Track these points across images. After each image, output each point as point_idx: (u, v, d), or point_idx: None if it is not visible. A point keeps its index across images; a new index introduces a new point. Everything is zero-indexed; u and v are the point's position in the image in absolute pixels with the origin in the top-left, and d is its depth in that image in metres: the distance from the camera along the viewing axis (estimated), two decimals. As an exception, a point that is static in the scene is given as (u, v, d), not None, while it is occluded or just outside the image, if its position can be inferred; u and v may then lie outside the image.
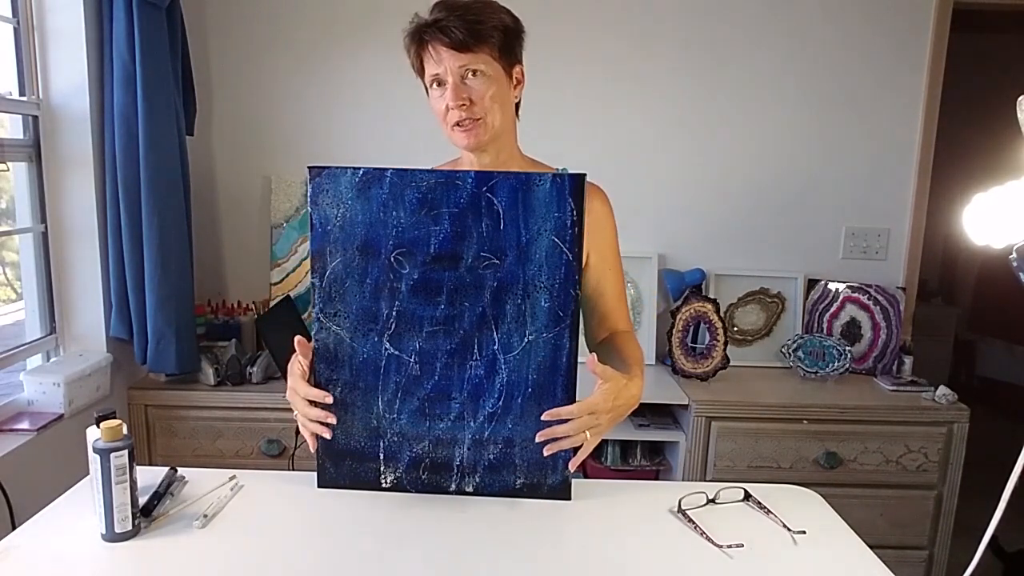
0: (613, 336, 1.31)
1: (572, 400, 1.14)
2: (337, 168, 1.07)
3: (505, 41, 1.21)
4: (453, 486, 1.16)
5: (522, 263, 1.08)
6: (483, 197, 1.07)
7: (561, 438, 1.08)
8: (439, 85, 1.20)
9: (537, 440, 1.09)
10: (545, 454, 1.10)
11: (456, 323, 1.11)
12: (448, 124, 1.22)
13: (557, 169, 1.31)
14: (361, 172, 1.07)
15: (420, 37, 1.19)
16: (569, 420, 1.08)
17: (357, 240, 1.08)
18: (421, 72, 1.24)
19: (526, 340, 1.11)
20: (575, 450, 1.13)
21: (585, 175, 1.07)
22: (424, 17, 1.19)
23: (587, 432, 1.09)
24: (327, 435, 1.11)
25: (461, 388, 1.13)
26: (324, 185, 1.07)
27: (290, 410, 2.18)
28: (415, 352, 1.12)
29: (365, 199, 1.07)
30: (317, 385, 1.15)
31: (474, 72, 1.18)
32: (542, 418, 1.09)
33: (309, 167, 1.08)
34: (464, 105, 1.18)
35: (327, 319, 1.12)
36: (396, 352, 1.13)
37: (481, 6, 1.19)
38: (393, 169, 1.09)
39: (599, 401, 1.08)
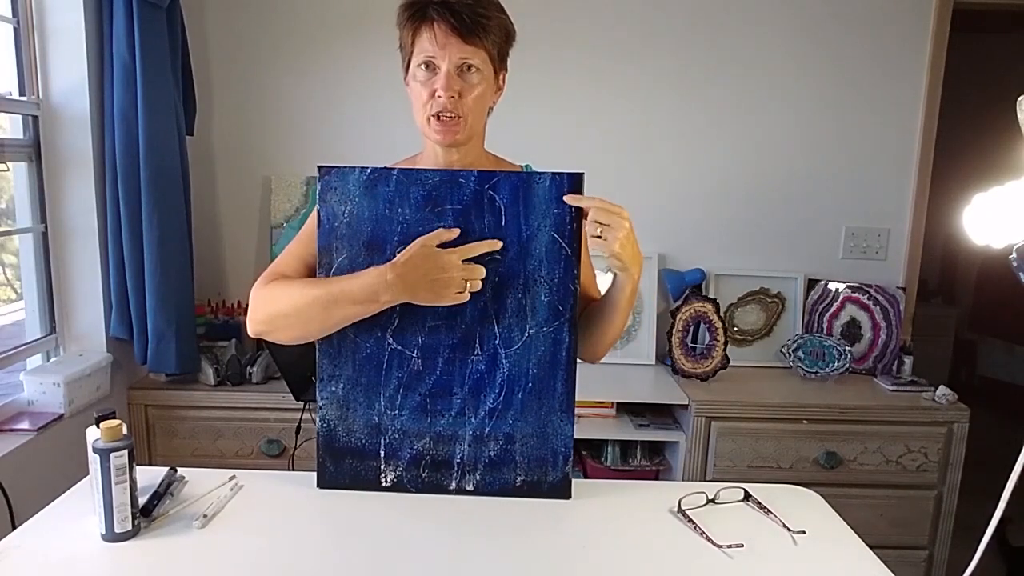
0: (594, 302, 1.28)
1: (572, 396, 1.15)
2: (346, 167, 1.11)
3: (503, 44, 1.19)
4: (453, 484, 1.17)
5: (522, 258, 1.10)
6: (485, 195, 1.09)
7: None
8: (428, 69, 1.14)
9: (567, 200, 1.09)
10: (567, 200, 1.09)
11: (458, 318, 1.12)
12: (426, 112, 1.16)
13: (521, 167, 1.30)
14: (369, 171, 1.11)
15: (424, 12, 1.12)
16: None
17: (363, 236, 1.11)
18: (409, 48, 1.16)
19: (526, 334, 1.12)
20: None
21: (583, 174, 1.09)
22: None
23: (600, 229, 1.06)
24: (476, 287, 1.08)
25: (462, 383, 1.14)
26: (333, 183, 1.10)
27: (290, 410, 2.19)
28: (417, 347, 1.14)
29: (372, 196, 1.10)
30: (320, 381, 1.15)
31: (470, 67, 1.14)
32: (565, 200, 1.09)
33: (319, 166, 1.11)
34: (453, 97, 1.13)
35: None
36: (399, 347, 1.14)
37: (487, 0, 1.16)
38: (399, 168, 1.12)
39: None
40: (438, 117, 1.15)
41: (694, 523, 1.10)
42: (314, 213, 1.15)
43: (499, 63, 1.20)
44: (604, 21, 2.42)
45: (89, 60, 1.97)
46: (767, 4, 2.42)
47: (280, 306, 1.12)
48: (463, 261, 1.07)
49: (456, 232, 1.09)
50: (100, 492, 1.00)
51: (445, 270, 1.05)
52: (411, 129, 1.22)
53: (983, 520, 0.88)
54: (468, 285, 1.07)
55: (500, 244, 1.09)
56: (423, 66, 1.14)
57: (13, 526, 1.51)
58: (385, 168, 1.12)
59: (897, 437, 2.13)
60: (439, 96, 1.13)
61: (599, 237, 1.06)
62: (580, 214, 1.09)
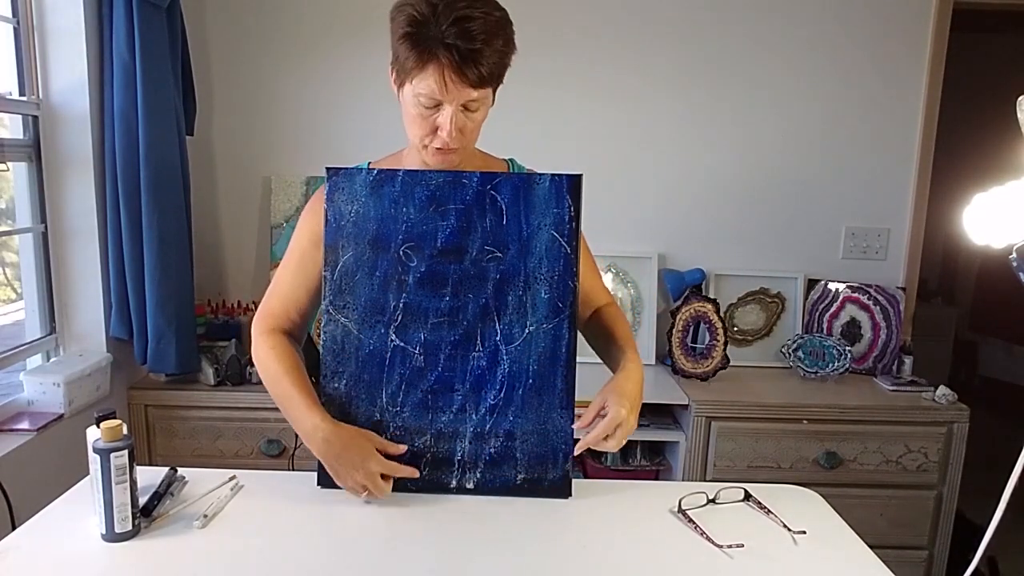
0: (599, 312, 1.29)
1: (572, 392, 1.15)
2: (353, 169, 1.15)
3: (506, 69, 1.11)
4: (454, 482, 1.17)
5: (523, 256, 1.13)
6: (487, 194, 1.12)
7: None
8: (429, 102, 1.07)
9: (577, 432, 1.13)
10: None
11: (460, 314, 1.14)
12: (424, 141, 1.11)
13: (506, 161, 1.30)
14: (375, 172, 1.14)
15: (434, 53, 1.03)
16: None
17: (369, 235, 1.14)
18: (410, 70, 1.07)
19: (527, 331, 1.14)
20: (575, 445, 1.15)
21: (581, 175, 1.12)
22: (435, 19, 1.02)
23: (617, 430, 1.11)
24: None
25: (464, 380, 1.15)
26: (340, 184, 1.14)
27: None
28: (420, 344, 1.15)
29: (378, 196, 1.13)
30: (324, 377, 1.16)
31: (471, 104, 1.08)
32: (575, 426, 1.14)
33: (327, 168, 1.15)
34: (456, 136, 1.09)
35: (336, 311, 1.15)
36: (402, 344, 1.15)
37: (494, 23, 1.04)
38: (404, 170, 1.15)
39: (616, 415, 1.09)
40: (437, 147, 1.11)
41: (694, 523, 1.10)
42: (300, 228, 1.20)
43: (498, 83, 1.13)
44: (604, 20, 2.42)
45: (89, 60, 1.97)
46: (768, 6, 2.42)
47: (263, 375, 1.20)
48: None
49: (402, 449, 1.14)
50: (100, 492, 1.00)
51: (355, 468, 1.10)
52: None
53: (983, 520, 0.88)
54: (364, 493, 1.11)
55: (417, 474, 1.13)
56: (424, 98, 1.07)
57: (13, 526, 1.51)
58: (391, 169, 1.14)
59: (897, 437, 2.13)
60: (442, 133, 1.09)
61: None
62: (579, 213, 1.11)
